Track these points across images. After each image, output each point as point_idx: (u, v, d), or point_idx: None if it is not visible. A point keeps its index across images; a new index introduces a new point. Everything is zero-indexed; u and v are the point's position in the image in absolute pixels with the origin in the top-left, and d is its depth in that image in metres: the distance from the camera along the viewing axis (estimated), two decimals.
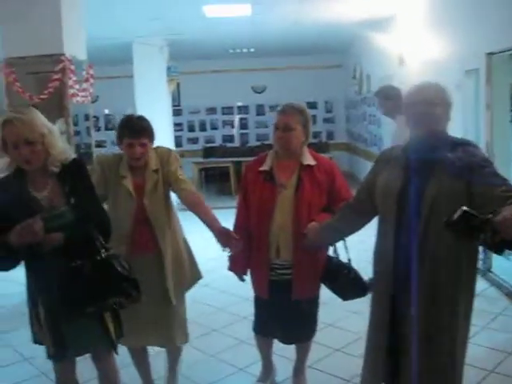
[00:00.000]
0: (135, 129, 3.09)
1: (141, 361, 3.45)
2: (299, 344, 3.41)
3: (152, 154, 3.16)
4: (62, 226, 2.50)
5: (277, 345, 3.49)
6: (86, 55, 5.81)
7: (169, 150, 3.28)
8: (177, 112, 12.45)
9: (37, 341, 2.74)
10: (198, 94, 12.78)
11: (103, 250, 2.60)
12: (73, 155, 2.72)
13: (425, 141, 2.42)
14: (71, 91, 5.61)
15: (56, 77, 5.43)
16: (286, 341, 3.37)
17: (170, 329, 3.27)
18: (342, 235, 3.02)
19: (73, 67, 5.57)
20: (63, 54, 5.36)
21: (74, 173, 2.62)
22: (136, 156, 3.08)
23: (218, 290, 5.32)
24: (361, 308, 4.18)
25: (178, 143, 12.11)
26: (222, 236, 2.88)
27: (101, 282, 2.53)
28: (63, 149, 2.64)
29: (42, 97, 5.41)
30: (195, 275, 3.38)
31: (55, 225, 2.48)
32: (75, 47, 5.56)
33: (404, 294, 2.39)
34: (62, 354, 2.72)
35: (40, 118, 2.57)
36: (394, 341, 2.45)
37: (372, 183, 2.59)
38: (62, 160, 2.59)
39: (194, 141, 13.69)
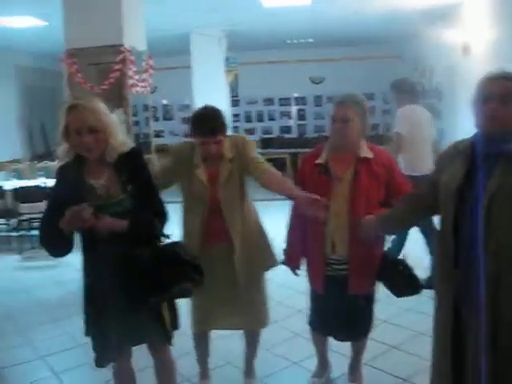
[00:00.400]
0: (209, 129, 2.99)
1: (203, 347, 3.46)
2: (355, 341, 3.35)
3: (226, 142, 3.09)
4: (119, 214, 2.53)
5: (332, 340, 3.42)
6: (145, 46, 5.86)
7: (244, 137, 3.24)
8: (234, 103, 12.46)
9: (88, 334, 2.77)
10: (255, 85, 12.73)
11: (163, 238, 2.62)
12: (131, 145, 2.72)
13: (492, 135, 2.29)
14: (131, 81, 5.67)
15: (116, 67, 5.51)
16: (341, 338, 3.31)
17: (244, 314, 3.24)
18: (399, 227, 2.94)
19: (133, 58, 5.63)
20: (123, 45, 5.42)
21: (132, 162, 2.63)
22: (211, 153, 3.04)
23: (277, 284, 5.26)
24: (414, 305, 4.09)
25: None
26: (311, 204, 2.70)
27: (164, 269, 2.53)
28: (123, 140, 2.64)
29: (102, 87, 5.50)
30: (270, 262, 3.31)
31: (112, 213, 2.52)
32: (135, 38, 5.62)
33: (467, 293, 2.29)
34: (108, 358, 2.75)
35: (104, 108, 2.59)
36: (459, 340, 2.36)
37: (436, 179, 2.50)
38: (120, 152, 2.60)
39: (252, 131, 13.68)
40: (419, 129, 5.29)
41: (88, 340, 2.78)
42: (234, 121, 12.37)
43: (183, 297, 2.73)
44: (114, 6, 5.33)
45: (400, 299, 3.16)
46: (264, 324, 3.38)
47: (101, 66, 5.58)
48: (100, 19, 5.34)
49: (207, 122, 3.01)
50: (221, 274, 3.11)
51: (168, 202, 2.78)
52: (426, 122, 5.49)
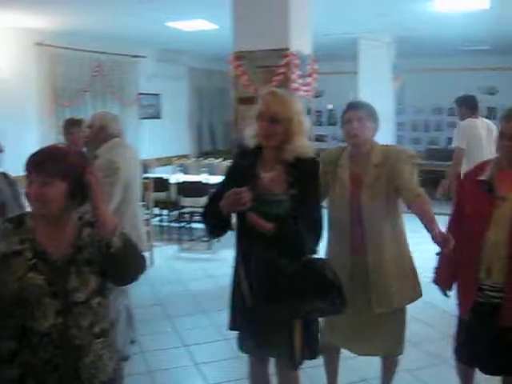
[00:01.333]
0: (353, 103, 3.07)
1: (331, 363, 3.36)
2: (506, 377, 3.03)
3: (376, 147, 3.03)
4: (276, 213, 2.50)
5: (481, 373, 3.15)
6: (310, 50, 5.87)
7: (399, 150, 3.09)
8: (400, 111, 12.09)
9: (231, 327, 2.80)
10: (423, 93, 12.24)
11: (311, 252, 2.55)
12: (311, 154, 2.66)
13: None
14: (294, 85, 5.70)
15: (281, 70, 5.56)
16: (488, 371, 3.01)
17: (376, 338, 3.11)
18: None
19: (297, 62, 5.65)
20: (288, 49, 5.47)
21: (305, 169, 2.59)
22: (351, 131, 2.97)
23: (427, 303, 4.89)
24: None
25: (400, 143, 11.78)
26: (442, 241, 2.57)
27: (305, 284, 2.47)
28: (304, 145, 2.61)
29: None
30: (414, 293, 3.14)
31: (269, 210, 2.51)
32: (301, 42, 5.64)
33: None
34: (250, 350, 2.75)
35: (298, 106, 2.62)
36: None
37: None
38: (298, 154, 2.57)
39: (416, 141, 13.18)
40: (479, 140, 5.92)
41: (232, 335, 2.82)
42: (399, 129, 12.00)
43: (317, 316, 2.65)
44: (282, 11, 5.38)
45: None
46: (400, 351, 3.21)
47: (266, 68, 5.67)
48: (268, 23, 5.42)
49: (354, 101, 3.14)
50: (357, 292, 2.98)
51: None
52: (487, 134, 5.96)
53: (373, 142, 3.06)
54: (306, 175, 2.58)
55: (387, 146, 3.12)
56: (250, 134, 2.67)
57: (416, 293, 3.14)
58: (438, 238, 2.59)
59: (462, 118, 6.17)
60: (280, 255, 2.49)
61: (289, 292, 2.46)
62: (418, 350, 4.17)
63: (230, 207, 2.48)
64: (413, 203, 2.84)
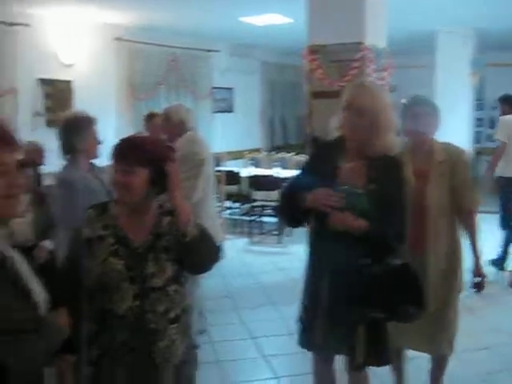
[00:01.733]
0: (418, 98, 3.11)
1: (397, 363, 3.29)
2: None
3: (437, 144, 3.03)
4: (360, 209, 2.41)
5: None
6: (385, 44, 5.77)
7: (462, 150, 3.10)
8: (478, 106, 11.67)
9: (300, 322, 2.78)
10: (503, 88, 11.75)
11: (395, 254, 2.49)
12: (395, 152, 2.60)
13: None
14: (369, 80, 5.62)
15: (355, 65, 5.50)
16: None
17: (432, 335, 3.06)
18: None
19: (372, 56, 5.57)
20: (363, 43, 5.39)
21: (387, 165, 2.53)
22: (417, 127, 2.97)
23: (499, 307, 4.65)
24: None
25: (477, 139, 11.37)
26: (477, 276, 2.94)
27: (396, 288, 2.43)
28: (390, 141, 2.54)
29: (340, 84, 5.53)
30: (459, 288, 3.13)
31: (350, 204, 2.40)
32: (376, 36, 5.55)
33: None
34: (314, 347, 2.71)
35: (387, 101, 2.58)
36: None
37: None
38: (382, 152, 2.51)
39: (492, 138, 12.69)
40: None
41: None
42: (477, 125, 11.59)
43: (404, 321, 2.59)
44: (358, 4, 5.31)
45: None
46: (450, 350, 3.15)
47: (341, 63, 5.62)
48: (343, 16, 5.36)
49: (418, 96, 3.17)
50: None
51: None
52: None
53: (432, 139, 3.05)
54: (388, 172, 2.50)
55: (446, 143, 3.08)
56: (334, 125, 2.64)
57: (459, 289, 3.12)
58: (476, 275, 2.99)
59: (503, 115, 6.49)
60: (362, 255, 2.42)
61: (372, 295, 2.42)
62: (491, 354, 4.04)
63: (315, 204, 2.43)
64: (463, 219, 3.06)
